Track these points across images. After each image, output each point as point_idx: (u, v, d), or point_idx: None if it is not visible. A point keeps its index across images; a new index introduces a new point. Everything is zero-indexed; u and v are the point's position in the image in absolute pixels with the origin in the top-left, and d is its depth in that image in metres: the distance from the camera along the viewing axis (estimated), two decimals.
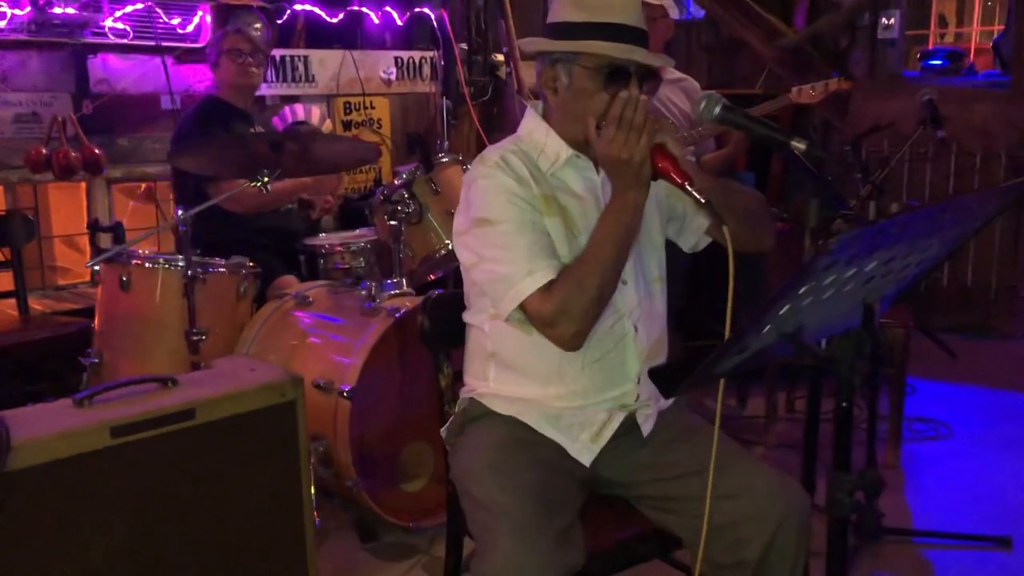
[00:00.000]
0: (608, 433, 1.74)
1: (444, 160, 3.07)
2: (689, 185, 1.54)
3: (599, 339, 1.72)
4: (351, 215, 3.81)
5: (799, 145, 1.55)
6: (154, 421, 1.84)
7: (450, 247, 3.01)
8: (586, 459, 1.73)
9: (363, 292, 2.82)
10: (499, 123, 5.53)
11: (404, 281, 2.86)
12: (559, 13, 1.73)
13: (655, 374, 1.50)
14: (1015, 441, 3.47)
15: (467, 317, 1.86)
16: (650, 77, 1.70)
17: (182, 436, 1.87)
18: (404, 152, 5.04)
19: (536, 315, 1.63)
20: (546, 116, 1.79)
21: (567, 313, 1.60)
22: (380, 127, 4.97)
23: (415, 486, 2.77)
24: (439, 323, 1.94)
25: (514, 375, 1.77)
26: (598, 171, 1.79)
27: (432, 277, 3.27)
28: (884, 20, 5.19)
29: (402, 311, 2.62)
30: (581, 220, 1.75)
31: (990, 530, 2.73)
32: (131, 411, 1.82)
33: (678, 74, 3.94)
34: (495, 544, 1.50)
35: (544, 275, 1.62)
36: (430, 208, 3.00)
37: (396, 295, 2.78)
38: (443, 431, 1.88)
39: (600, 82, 1.67)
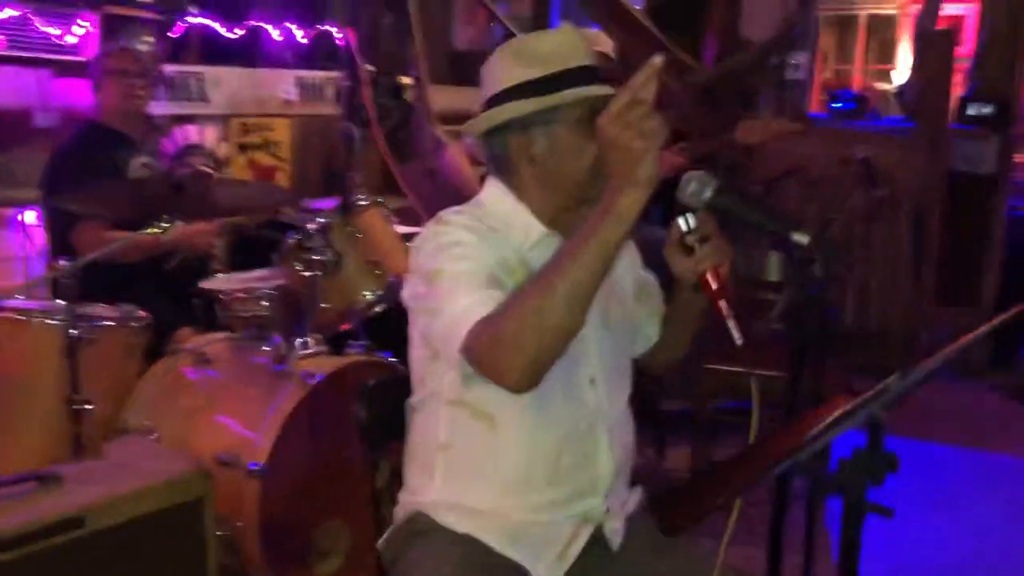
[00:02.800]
0: (575, 550, 1.54)
1: (363, 203, 2.83)
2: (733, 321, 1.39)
3: (572, 444, 1.53)
4: (246, 250, 3.47)
5: (801, 238, 1.40)
6: (34, 534, 1.55)
7: (369, 298, 2.77)
8: None
9: (270, 350, 2.55)
10: (406, 149, 5.30)
11: (317, 338, 2.60)
12: (509, 76, 1.54)
13: (655, 503, 1.32)
14: (940, 500, 3.44)
15: (414, 401, 1.62)
16: None
17: (69, 548, 1.59)
18: (311, 183, 4.75)
19: (477, 346, 1.35)
20: (515, 189, 1.57)
21: (517, 342, 1.31)
22: (278, 150, 4.66)
23: (329, 567, 2.50)
24: (380, 414, 1.70)
25: (468, 478, 1.54)
26: None
27: (345, 327, 3.01)
28: (793, 61, 5.24)
29: (318, 377, 2.36)
30: None
31: None
32: (5, 523, 1.52)
33: None
34: None
35: (490, 301, 1.38)
36: (349, 256, 2.74)
37: (309, 355, 2.51)
38: (380, 544, 1.64)
39: (587, 134, 1.46)
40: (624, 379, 1.67)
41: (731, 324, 1.37)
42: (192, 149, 4.01)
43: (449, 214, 1.56)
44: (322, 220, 2.72)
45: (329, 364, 2.44)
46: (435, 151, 5.15)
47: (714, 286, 1.42)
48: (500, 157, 1.58)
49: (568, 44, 1.54)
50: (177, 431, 2.42)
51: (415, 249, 1.55)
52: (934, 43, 4.63)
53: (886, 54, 9.58)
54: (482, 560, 1.49)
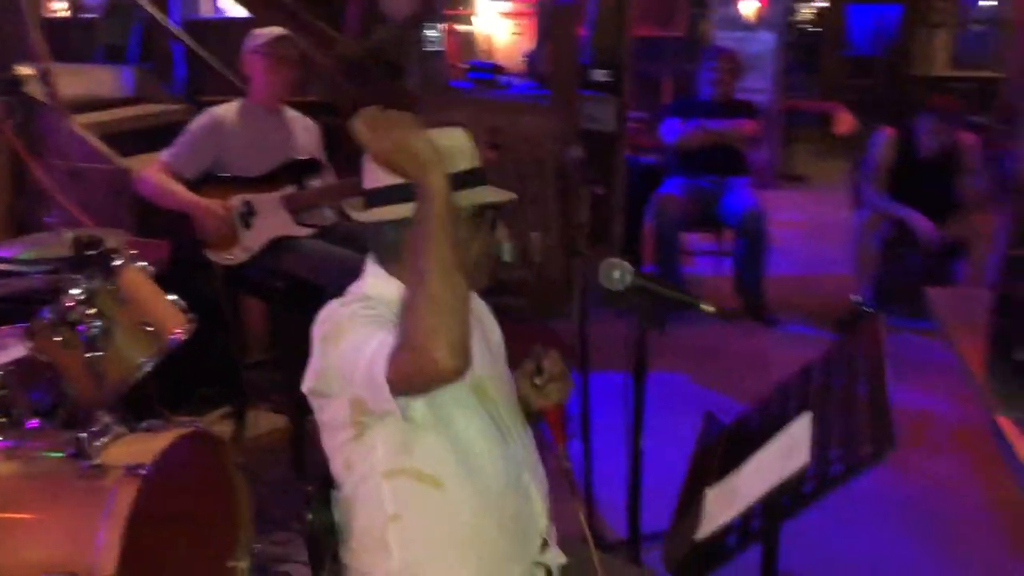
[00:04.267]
0: None
1: (118, 263, 2.58)
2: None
3: (512, 491, 1.71)
4: None
5: (708, 308, 1.71)
6: None
7: (146, 364, 2.57)
8: None
9: (61, 442, 2.28)
10: (37, 145, 4.68)
11: (109, 419, 2.37)
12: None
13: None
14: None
15: (346, 490, 1.69)
16: None
17: None
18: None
19: (400, 360, 1.44)
20: (398, 276, 1.67)
21: (428, 332, 1.41)
22: None
23: None
24: (326, 518, 1.71)
25: (424, 544, 1.65)
26: None
27: None
28: (431, 33, 5.48)
29: (145, 468, 2.17)
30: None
31: None
32: None
33: (296, 112, 3.88)
34: None
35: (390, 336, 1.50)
36: (118, 322, 2.51)
37: (112, 441, 2.29)
38: None
39: (471, 229, 1.68)
40: (524, 424, 1.84)
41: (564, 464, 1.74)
42: None
43: (348, 302, 1.66)
44: (83, 288, 2.44)
45: (144, 448, 2.25)
46: (79, 150, 4.63)
47: (553, 420, 1.79)
48: (389, 246, 1.68)
49: (454, 147, 1.66)
50: None
51: (323, 323, 1.63)
52: (563, 17, 5.15)
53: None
54: None
